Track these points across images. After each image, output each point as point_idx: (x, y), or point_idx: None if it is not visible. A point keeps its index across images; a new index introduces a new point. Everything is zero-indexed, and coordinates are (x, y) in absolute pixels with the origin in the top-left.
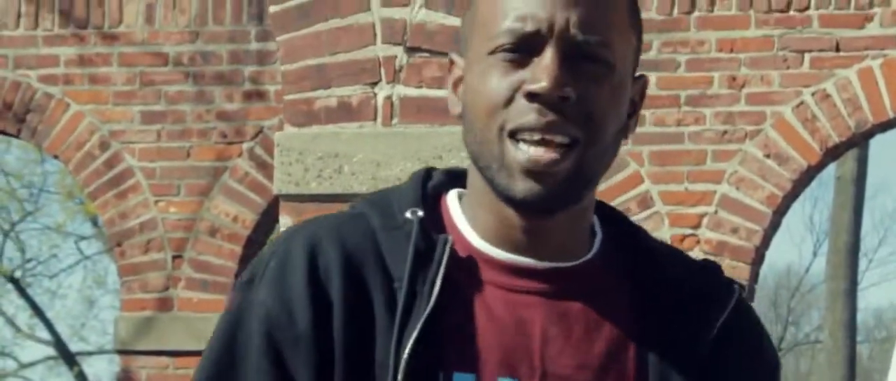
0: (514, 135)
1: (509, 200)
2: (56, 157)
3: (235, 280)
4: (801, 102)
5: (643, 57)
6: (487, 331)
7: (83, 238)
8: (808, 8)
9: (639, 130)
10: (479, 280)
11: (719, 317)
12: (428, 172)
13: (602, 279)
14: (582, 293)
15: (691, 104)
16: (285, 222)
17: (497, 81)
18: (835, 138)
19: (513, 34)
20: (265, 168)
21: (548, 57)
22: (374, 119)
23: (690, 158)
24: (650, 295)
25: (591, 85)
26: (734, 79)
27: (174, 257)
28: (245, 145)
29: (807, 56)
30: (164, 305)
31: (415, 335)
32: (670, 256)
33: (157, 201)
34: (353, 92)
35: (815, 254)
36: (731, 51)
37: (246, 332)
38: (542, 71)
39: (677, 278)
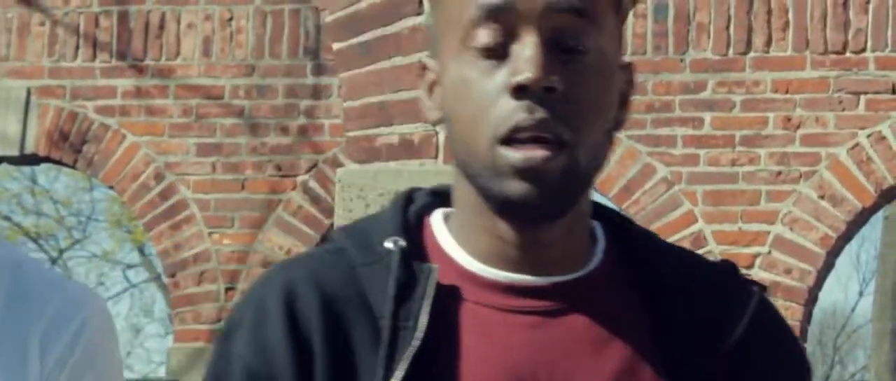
0: (505, 140)
1: (504, 206)
2: (111, 187)
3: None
4: (856, 144)
5: (698, 96)
6: (488, 359)
7: (130, 267)
8: (864, 50)
9: (693, 169)
10: (474, 305)
11: (740, 321)
12: (409, 195)
13: (608, 290)
14: (588, 308)
15: (746, 144)
16: None
17: (477, 81)
18: (890, 180)
19: (484, 9)
20: (318, 202)
21: (529, 45)
22: (436, 157)
23: (744, 199)
24: (662, 302)
25: (578, 77)
26: (789, 120)
27: (227, 289)
28: (299, 179)
29: (862, 98)
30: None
31: (401, 374)
32: (681, 258)
33: (211, 233)
34: (414, 130)
35: (861, 293)
36: (787, 92)
37: None
38: (525, 61)
39: (691, 281)
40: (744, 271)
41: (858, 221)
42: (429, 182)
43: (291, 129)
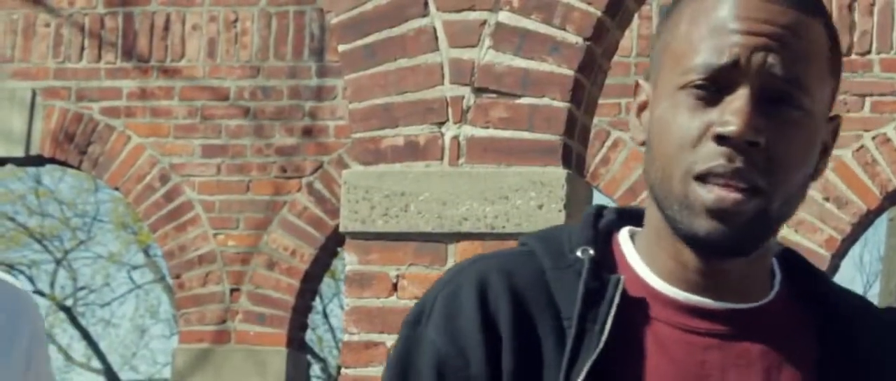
0: (700, 177)
1: (691, 239)
2: (116, 189)
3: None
4: (862, 146)
5: None
6: (662, 372)
7: (136, 268)
8: (868, 52)
9: None
10: (654, 320)
11: None
12: (599, 211)
13: (782, 323)
14: (762, 336)
15: None
16: (351, 260)
17: (686, 119)
18: (895, 182)
19: (707, 69)
20: (323, 203)
21: (740, 97)
22: (441, 158)
23: None
24: (836, 344)
25: (784, 131)
26: None
27: (232, 290)
28: (304, 180)
29: (867, 100)
30: (222, 337)
31: (583, 374)
32: (858, 303)
33: (216, 234)
34: (420, 131)
35: (864, 294)
36: None
37: (416, 371)
38: (733, 113)
39: (866, 327)
40: None
41: (864, 223)
42: (433, 183)
43: (296, 130)
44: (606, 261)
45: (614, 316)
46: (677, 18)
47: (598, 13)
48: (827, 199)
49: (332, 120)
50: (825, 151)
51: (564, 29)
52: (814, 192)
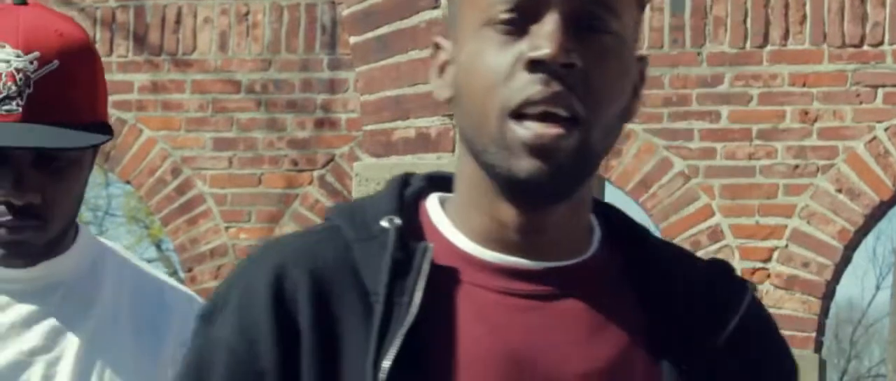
0: (516, 113)
1: (511, 183)
2: (128, 182)
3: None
4: (874, 137)
5: (715, 90)
6: (482, 340)
7: (148, 262)
8: (881, 43)
9: (710, 162)
10: (470, 286)
11: (732, 319)
12: (405, 178)
13: (604, 279)
14: (584, 294)
15: (763, 138)
16: None
17: (494, 55)
18: None
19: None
20: (335, 195)
21: (549, 22)
22: (453, 150)
23: (762, 192)
24: (656, 296)
25: (597, 56)
26: (806, 113)
27: None
28: (316, 173)
29: (880, 91)
30: None
31: (394, 351)
32: (677, 254)
33: (227, 228)
34: (431, 123)
35: (878, 287)
36: (804, 85)
37: (210, 373)
38: (543, 37)
39: (685, 277)
40: (761, 263)
41: (876, 214)
42: None
43: (308, 123)
44: (414, 229)
45: (425, 286)
46: None
47: None
48: (839, 190)
49: (344, 113)
50: (635, 93)
51: None
52: (826, 183)
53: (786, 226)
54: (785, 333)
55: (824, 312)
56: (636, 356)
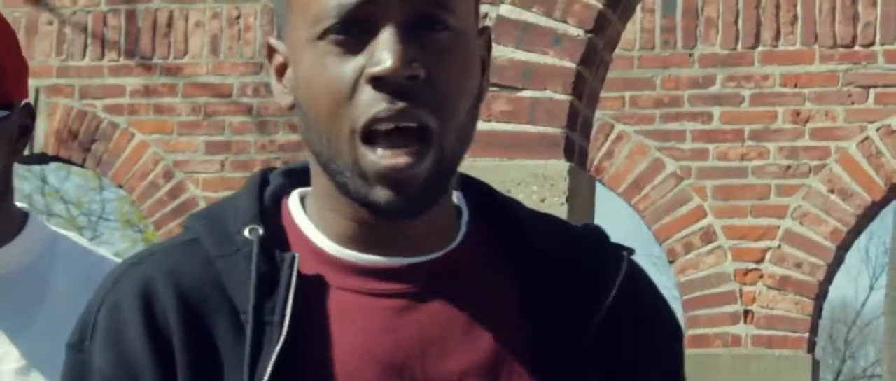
0: (365, 136)
1: (368, 206)
2: (120, 186)
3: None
4: (866, 138)
5: (707, 91)
6: (352, 347)
7: None
8: (873, 43)
9: (702, 163)
10: (337, 291)
11: (611, 288)
12: (264, 177)
13: (475, 267)
14: (454, 288)
15: (755, 139)
16: None
17: (334, 71)
18: None
19: (341, 11)
20: None
21: (387, 33)
22: None
23: (754, 193)
24: (533, 273)
25: (439, 58)
26: (798, 114)
27: None
28: None
29: (872, 91)
30: None
31: (268, 371)
32: (548, 226)
33: None
34: None
35: (871, 288)
36: (796, 86)
37: None
38: (382, 49)
39: (561, 249)
40: (754, 264)
41: (868, 214)
42: None
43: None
44: (278, 236)
45: (293, 300)
46: None
47: (600, 5)
48: (832, 191)
49: None
50: (483, 68)
51: (566, 21)
52: (818, 183)
53: (778, 227)
54: (778, 334)
55: (817, 312)
56: (514, 346)
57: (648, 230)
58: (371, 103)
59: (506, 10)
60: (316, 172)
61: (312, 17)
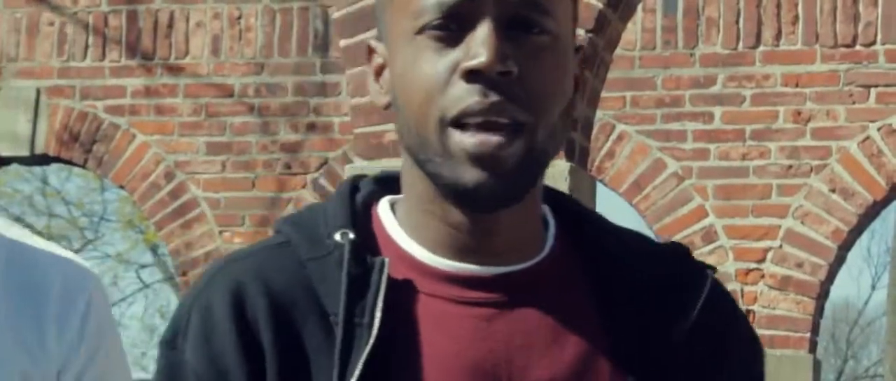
0: (456, 122)
1: (458, 192)
2: (122, 187)
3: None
4: (867, 137)
5: (708, 91)
6: (445, 353)
7: (144, 267)
8: (874, 43)
9: (703, 163)
10: (427, 297)
11: (694, 306)
12: (355, 183)
13: (562, 278)
14: (541, 298)
15: (756, 138)
16: None
17: (429, 64)
18: None
19: (441, 7)
20: None
21: (484, 29)
22: None
23: (755, 193)
24: (616, 288)
25: (535, 59)
26: (799, 113)
27: None
28: (309, 176)
29: (873, 91)
30: None
31: (357, 372)
32: (633, 242)
33: (221, 232)
34: None
35: (873, 287)
36: (797, 85)
37: None
38: (479, 45)
39: (644, 266)
40: (755, 264)
41: (870, 214)
42: None
43: (301, 126)
44: (368, 241)
45: (383, 303)
46: None
47: (600, 5)
48: (833, 190)
49: (337, 116)
50: (577, 85)
51: None
52: (819, 183)
53: (780, 226)
54: (779, 334)
55: (819, 312)
56: (598, 355)
57: (650, 230)
58: (463, 96)
59: None
60: (409, 173)
61: (412, 13)
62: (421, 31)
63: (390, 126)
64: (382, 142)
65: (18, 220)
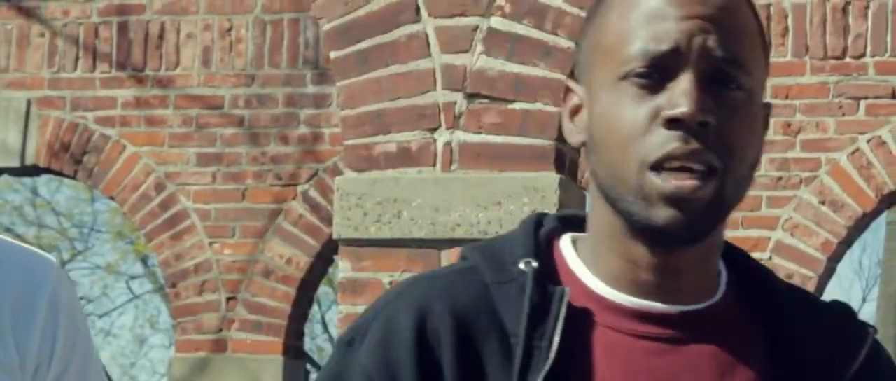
0: (655, 166)
1: (648, 230)
2: (112, 198)
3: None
4: (857, 149)
5: None
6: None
7: (134, 278)
8: (863, 55)
9: None
10: (603, 328)
11: (854, 362)
12: (539, 219)
13: (732, 322)
14: (712, 338)
15: None
16: (344, 266)
17: (632, 109)
18: (890, 185)
19: (646, 56)
20: (319, 211)
21: (685, 80)
22: (434, 165)
23: (745, 204)
24: (781, 338)
25: (730, 113)
26: (789, 125)
27: (228, 299)
28: (300, 188)
29: (862, 103)
30: (219, 346)
31: None
32: (800, 297)
33: (211, 243)
34: (412, 137)
35: (864, 299)
36: (787, 97)
37: None
38: (680, 95)
39: (809, 321)
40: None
41: (859, 226)
42: (426, 190)
43: (291, 138)
44: (550, 271)
45: (561, 329)
46: (606, 14)
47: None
48: (822, 202)
49: (328, 127)
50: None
51: (556, 33)
52: (809, 195)
53: (769, 238)
54: None
55: None
56: None
57: None
58: (665, 142)
59: (496, 22)
60: (597, 210)
61: (618, 61)
62: (625, 77)
63: (380, 138)
64: (372, 153)
65: (8, 230)
